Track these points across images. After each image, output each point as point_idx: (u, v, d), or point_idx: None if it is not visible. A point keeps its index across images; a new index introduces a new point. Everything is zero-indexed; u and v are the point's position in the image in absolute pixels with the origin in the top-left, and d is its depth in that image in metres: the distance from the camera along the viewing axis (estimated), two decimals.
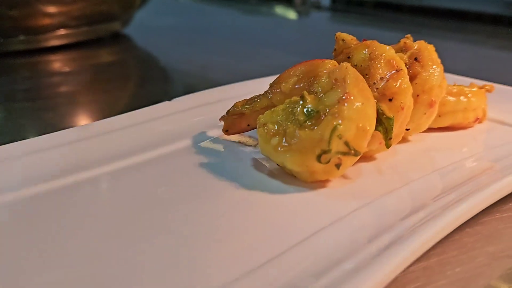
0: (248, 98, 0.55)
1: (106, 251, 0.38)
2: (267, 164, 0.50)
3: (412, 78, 0.53)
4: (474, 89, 0.58)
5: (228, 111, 0.56)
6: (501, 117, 0.60)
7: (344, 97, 0.45)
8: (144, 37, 1.30)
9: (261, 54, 1.11)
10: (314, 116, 0.46)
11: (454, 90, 0.57)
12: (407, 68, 0.53)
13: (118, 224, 0.41)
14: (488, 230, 0.43)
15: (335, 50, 0.55)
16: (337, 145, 0.44)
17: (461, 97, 0.57)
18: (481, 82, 0.63)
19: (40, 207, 0.43)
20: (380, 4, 1.46)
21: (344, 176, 0.48)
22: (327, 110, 0.45)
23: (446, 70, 0.56)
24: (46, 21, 1.07)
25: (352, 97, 0.45)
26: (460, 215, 0.40)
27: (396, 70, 0.49)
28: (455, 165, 0.51)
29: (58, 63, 1.11)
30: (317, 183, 0.47)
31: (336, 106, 0.45)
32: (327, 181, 0.47)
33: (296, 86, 0.50)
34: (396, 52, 0.55)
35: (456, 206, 0.41)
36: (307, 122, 0.45)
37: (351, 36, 0.54)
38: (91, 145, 0.54)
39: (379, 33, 1.24)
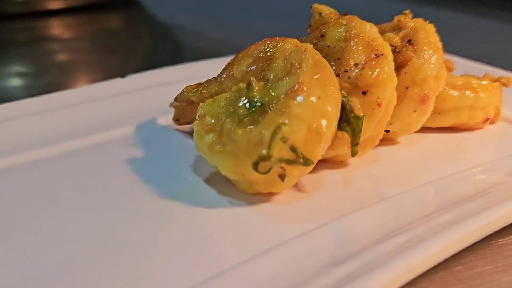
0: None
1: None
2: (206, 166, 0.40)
3: (401, 66, 0.42)
4: (484, 82, 0.46)
5: (177, 97, 0.46)
6: None
7: (295, 88, 0.34)
8: (155, 3, 1.21)
9: (274, 27, 1.01)
10: (257, 111, 0.35)
11: (459, 83, 0.45)
12: (397, 53, 0.42)
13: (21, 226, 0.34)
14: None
15: (310, 26, 0.44)
16: (279, 151, 0.34)
17: (467, 92, 0.45)
18: (500, 73, 0.51)
19: None
20: None
21: (297, 188, 0.38)
22: (273, 104, 0.35)
23: (459, 53, 0.44)
24: None
25: (305, 88, 0.34)
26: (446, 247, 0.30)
27: (376, 55, 0.38)
28: (453, 177, 0.40)
29: (57, 28, 1.03)
30: (260, 196, 0.37)
31: (283, 100, 0.34)
32: (272, 194, 0.37)
33: (249, 69, 0.40)
34: (389, 31, 0.44)
35: (437, 239, 0.31)
36: (248, 117, 0.35)
37: (331, 9, 0.44)
38: (20, 125, 0.45)
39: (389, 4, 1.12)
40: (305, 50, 0.36)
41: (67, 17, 1.06)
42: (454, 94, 0.45)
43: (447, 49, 0.46)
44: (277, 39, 0.40)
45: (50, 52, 0.91)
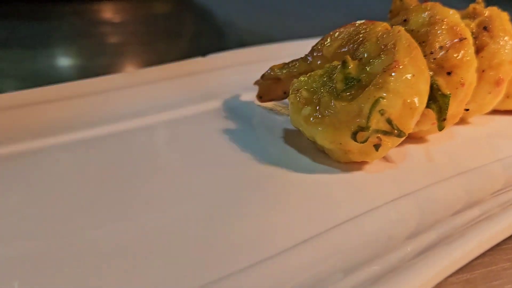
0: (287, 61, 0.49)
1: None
2: (298, 137, 0.43)
3: (478, 51, 0.45)
4: None
5: (263, 75, 0.49)
6: None
7: (391, 66, 0.38)
8: None
9: (319, 15, 1.04)
10: (355, 86, 0.39)
11: None
12: (474, 38, 0.45)
13: (129, 187, 0.37)
14: None
15: (390, 11, 0.47)
16: (377, 122, 0.37)
17: None
18: None
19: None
20: None
21: (385, 159, 0.41)
22: (371, 80, 0.38)
23: None
24: None
25: (401, 67, 0.38)
26: None
27: (459, 39, 0.42)
28: None
29: (108, 12, 1.06)
30: (352, 165, 0.40)
31: (381, 76, 0.38)
32: (364, 163, 0.40)
33: (340, 50, 0.43)
34: (463, 18, 0.47)
35: None
36: (346, 92, 0.39)
37: None
38: (114, 97, 0.49)
39: None
40: (399, 32, 0.40)
41: (117, 2, 1.09)
42: None
43: None
44: (367, 22, 0.43)
45: (102, 34, 0.93)
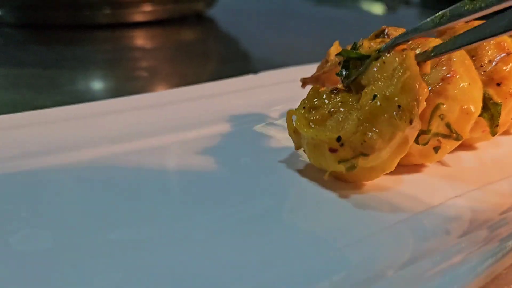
0: None
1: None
2: None
3: None
4: None
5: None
6: None
7: (449, 75, 0.41)
8: (227, 19, 1.28)
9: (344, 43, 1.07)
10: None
11: None
12: None
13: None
14: None
15: (438, 30, 0.51)
16: (437, 126, 0.40)
17: None
18: None
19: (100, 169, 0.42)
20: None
21: (441, 163, 0.45)
22: (429, 88, 0.41)
23: None
24: None
25: (457, 76, 0.41)
26: None
27: (507, 53, 0.45)
28: None
29: (140, 38, 1.10)
30: (412, 167, 0.43)
31: (439, 84, 0.41)
32: (422, 165, 0.43)
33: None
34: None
35: None
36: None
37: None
38: (163, 112, 0.52)
39: None
40: None
41: (147, 29, 1.13)
42: None
43: None
44: (421, 38, 0.46)
45: (134, 59, 0.97)
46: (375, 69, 0.40)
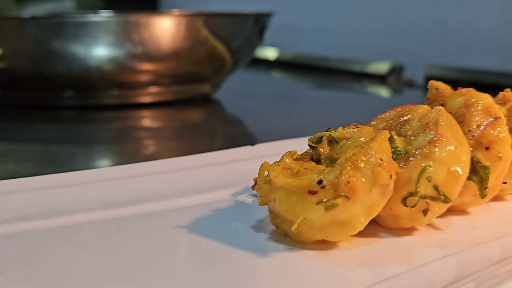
0: None
1: None
2: None
3: (510, 131, 0.49)
4: None
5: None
6: None
7: (435, 138, 0.42)
8: (232, 102, 1.31)
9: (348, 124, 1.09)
10: (402, 157, 0.43)
11: None
12: (506, 119, 0.49)
13: None
14: None
15: (427, 99, 0.52)
16: (425, 188, 0.41)
17: None
18: None
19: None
20: (476, 85, 1.42)
21: (431, 225, 0.45)
22: (417, 152, 0.42)
23: None
24: (140, 77, 1.10)
25: (444, 139, 0.42)
26: None
27: (494, 118, 0.46)
28: None
29: (146, 119, 1.13)
30: (402, 230, 0.43)
31: (426, 147, 0.42)
32: (412, 228, 0.43)
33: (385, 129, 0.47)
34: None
35: None
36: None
37: (446, 85, 0.52)
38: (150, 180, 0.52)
39: None
40: (440, 111, 0.44)
41: (155, 110, 1.15)
42: None
43: None
44: (409, 106, 0.48)
45: (139, 137, 0.99)
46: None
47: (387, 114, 0.49)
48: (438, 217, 0.46)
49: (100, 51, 1.04)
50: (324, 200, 0.38)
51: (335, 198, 0.38)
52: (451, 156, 0.42)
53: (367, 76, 1.61)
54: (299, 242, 0.41)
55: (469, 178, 0.44)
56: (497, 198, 0.51)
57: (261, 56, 1.94)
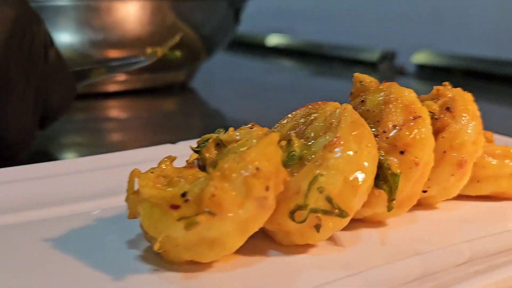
0: None
1: None
2: None
3: (439, 131, 0.43)
4: None
5: None
6: None
7: (332, 142, 0.36)
8: (210, 90, 1.25)
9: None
10: (296, 163, 0.37)
11: (498, 151, 0.46)
12: (436, 119, 0.43)
13: None
14: None
15: (351, 93, 0.46)
16: (316, 201, 0.35)
17: (506, 160, 0.46)
18: None
19: None
20: (469, 73, 1.34)
21: (333, 242, 0.39)
22: (311, 157, 0.36)
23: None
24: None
25: (342, 142, 0.36)
26: None
27: (414, 117, 0.40)
28: (490, 237, 0.40)
29: (114, 109, 1.08)
30: (295, 247, 0.38)
31: (321, 152, 0.36)
32: (307, 246, 0.38)
33: (291, 131, 0.42)
34: (428, 100, 0.46)
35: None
36: (287, 169, 0.37)
37: (372, 78, 0.46)
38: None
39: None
40: (344, 109, 0.38)
41: (124, 99, 1.10)
42: (493, 162, 0.46)
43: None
44: (319, 103, 0.42)
45: (106, 130, 0.94)
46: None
47: (298, 112, 0.43)
48: (347, 230, 0.40)
49: (61, 38, 0.99)
50: (185, 217, 0.33)
51: (197, 215, 0.32)
52: (349, 162, 0.36)
53: (359, 63, 1.54)
54: (169, 262, 0.35)
55: (379, 187, 0.39)
56: (426, 207, 0.45)
57: (251, 41, 1.87)
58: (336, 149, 0.36)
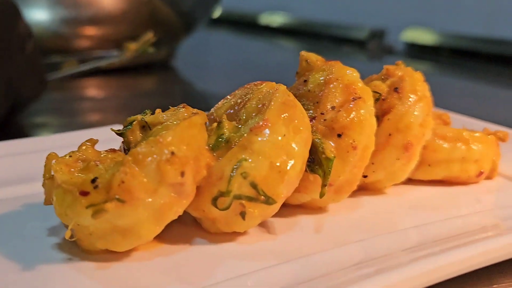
0: None
1: None
2: None
3: (385, 113, 0.41)
4: (477, 134, 0.44)
5: None
6: None
7: (259, 125, 0.34)
8: (189, 69, 1.23)
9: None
10: (224, 147, 0.35)
11: (450, 134, 0.44)
12: (383, 100, 0.41)
13: None
14: None
15: (297, 73, 0.44)
16: (239, 187, 0.33)
17: (459, 144, 0.44)
18: (500, 129, 0.49)
19: None
20: (457, 51, 1.31)
21: (266, 229, 0.37)
22: (238, 140, 0.34)
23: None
24: (79, 43, 1.02)
25: (269, 125, 0.34)
26: None
27: (353, 98, 0.38)
28: (437, 224, 0.38)
29: (92, 88, 1.06)
30: (223, 235, 0.36)
31: (247, 135, 0.34)
32: (239, 234, 0.36)
33: (228, 112, 0.39)
34: (377, 80, 0.44)
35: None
36: (214, 154, 0.35)
37: (318, 57, 0.43)
38: None
39: (455, 82, 1.10)
40: (275, 90, 0.36)
41: (101, 78, 1.08)
42: (444, 146, 0.44)
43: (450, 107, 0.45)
44: (257, 82, 0.40)
45: (82, 110, 0.93)
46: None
47: (237, 92, 0.41)
48: (283, 216, 0.38)
49: (33, 16, 0.97)
50: (93, 204, 0.31)
51: (105, 202, 0.31)
52: (275, 146, 0.34)
53: (348, 41, 1.52)
54: (84, 251, 0.34)
55: (314, 172, 0.37)
56: (374, 192, 0.43)
57: (240, 19, 1.85)
58: (262, 132, 0.34)
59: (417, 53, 1.39)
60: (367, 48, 1.46)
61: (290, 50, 1.59)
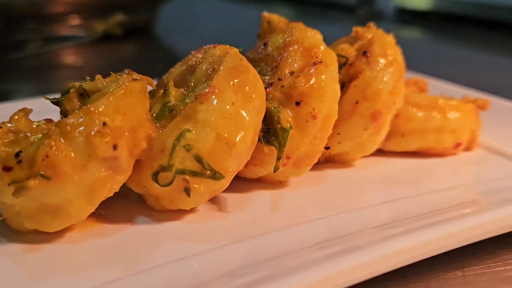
0: None
1: None
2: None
3: (352, 79, 0.38)
4: (454, 102, 0.41)
5: None
6: (500, 145, 0.43)
7: (205, 92, 0.30)
8: (172, 36, 1.19)
9: None
10: (168, 117, 0.32)
11: (424, 102, 0.41)
12: (350, 65, 0.38)
13: None
14: None
15: (258, 35, 0.41)
16: (182, 160, 0.30)
17: (434, 113, 0.40)
18: (481, 96, 0.45)
19: None
20: (449, 17, 1.27)
21: (217, 206, 0.34)
22: (182, 109, 0.31)
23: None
24: (55, 8, 0.98)
25: (216, 92, 0.30)
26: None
27: (314, 62, 0.34)
28: (407, 199, 0.35)
29: (69, 56, 1.02)
30: (169, 213, 0.33)
31: (191, 104, 0.31)
32: (185, 211, 0.33)
33: (178, 78, 0.36)
34: (346, 43, 0.40)
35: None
36: (157, 123, 0.31)
37: (281, 18, 0.40)
38: None
39: (444, 48, 1.07)
40: (226, 53, 0.33)
41: (80, 45, 1.04)
42: (418, 114, 0.40)
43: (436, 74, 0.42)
44: (211, 45, 0.36)
45: (59, 78, 0.89)
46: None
47: (191, 56, 0.38)
48: (239, 192, 0.35)
49: None
50: (16, 181, 0.28)
51: (28, 179, 0.27)
52: (223, 116, 0.30)
53: (337, 6, 1.47)
54: (14, 231, 0.30)
55: (270, 143, 0.33)
56: (342, 164, 0.40)
57: None
58: (208, 100, 0.30)
59: (408, 18, 1.34)
60: (356, 14, 1.42)
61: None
